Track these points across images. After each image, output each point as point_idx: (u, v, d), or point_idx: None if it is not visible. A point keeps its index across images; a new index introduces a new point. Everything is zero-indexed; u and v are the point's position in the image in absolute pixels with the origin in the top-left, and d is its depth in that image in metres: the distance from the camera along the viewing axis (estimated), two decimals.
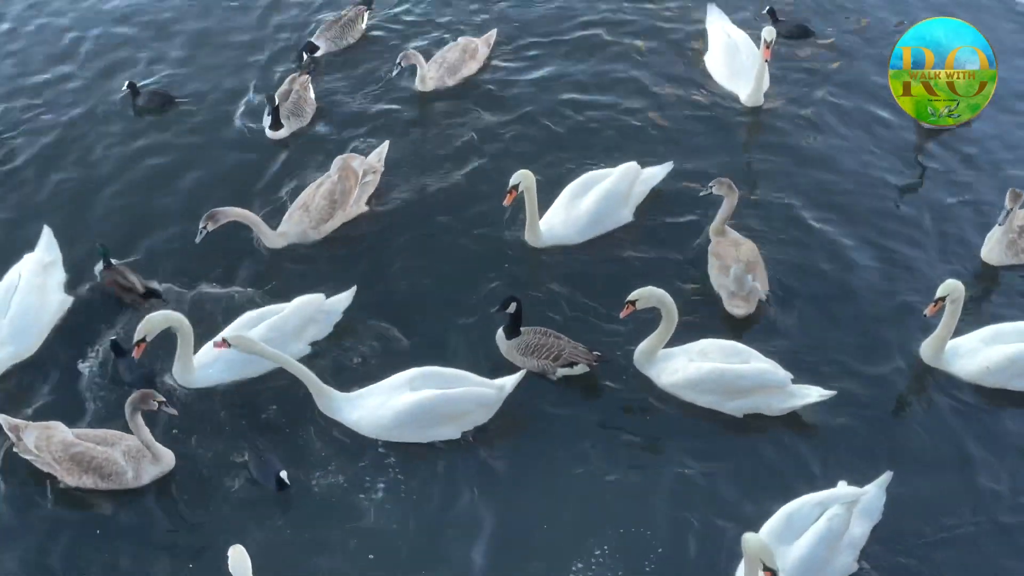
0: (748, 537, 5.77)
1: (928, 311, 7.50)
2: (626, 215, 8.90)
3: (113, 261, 8.33)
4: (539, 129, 10.21)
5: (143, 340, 7.04)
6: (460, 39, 10.90)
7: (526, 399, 7.47)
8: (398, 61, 10.22)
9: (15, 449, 6.91)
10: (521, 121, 10.29)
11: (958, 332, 7.59)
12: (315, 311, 7.81)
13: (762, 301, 8.17)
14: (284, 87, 10.20)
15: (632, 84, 10.84)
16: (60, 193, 9.49)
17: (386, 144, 9.44)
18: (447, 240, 8.85)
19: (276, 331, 7.52)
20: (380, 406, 7.16)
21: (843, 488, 6.59)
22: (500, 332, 7.78)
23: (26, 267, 7.98)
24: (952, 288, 7.37)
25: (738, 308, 8.08)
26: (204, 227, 8.23)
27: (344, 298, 8.01)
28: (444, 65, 10.55)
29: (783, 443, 7.24)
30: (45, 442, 6.82)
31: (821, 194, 9.38)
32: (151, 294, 8.18)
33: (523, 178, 8.27)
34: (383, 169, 9.24)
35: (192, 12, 12.00)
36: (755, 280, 8.11)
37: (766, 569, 5.62)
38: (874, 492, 6.57)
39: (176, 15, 11.95)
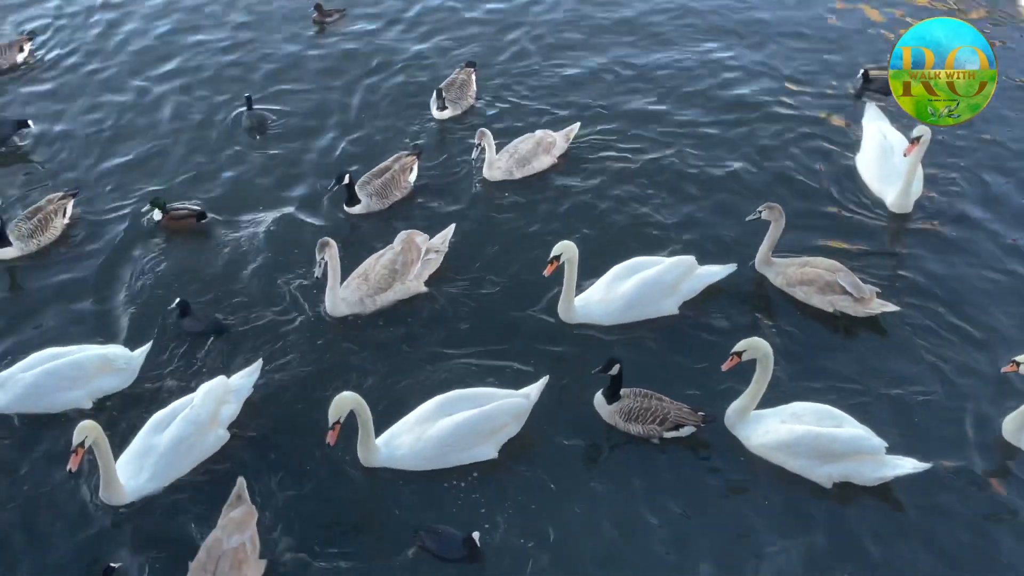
0: None
1: (1004, 369, 7.67)
2: (669, 306, 8.69)
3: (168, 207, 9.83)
4: (621, 227, 9.94)
5: (81, 446, 6.83)
6: (537, 132, 10.80)
7: (624, 450, 7.69)
8: (477, 142, 10.15)
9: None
10: (600, 218, 10.07)
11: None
12: (223, 393, 7.70)
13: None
14: (386, 163, 10.25)
15: (749, 181, 10.59)
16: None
17: (451, 228, 9.48)
18: (502, 328, 8.78)
19: (192, 423, 7.38)
20: (419, 439, 7.35)
21: None
22: (599, 396, 7.78)
23: (92, 351, 8.04)
24: None
25: (878, 306, 8.57)
26: (322, 258, 8.47)
27: (250, 372, 7.99)
28: (515, 156, 10.40)
29: (865, 518, 7.17)
30: (224, 521, 6.76)
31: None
32: (199, 216, 9.80)
33: (565, 249, 8.23)
34: (446, 251, 9.31)
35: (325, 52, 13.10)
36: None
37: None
38: None
39: (304, 55, 13.08)
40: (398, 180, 10.09)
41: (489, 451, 7.46)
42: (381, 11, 13.96)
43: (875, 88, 11.84)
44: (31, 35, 13.11)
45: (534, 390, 7.67)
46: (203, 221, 9.94)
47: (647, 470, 7.54)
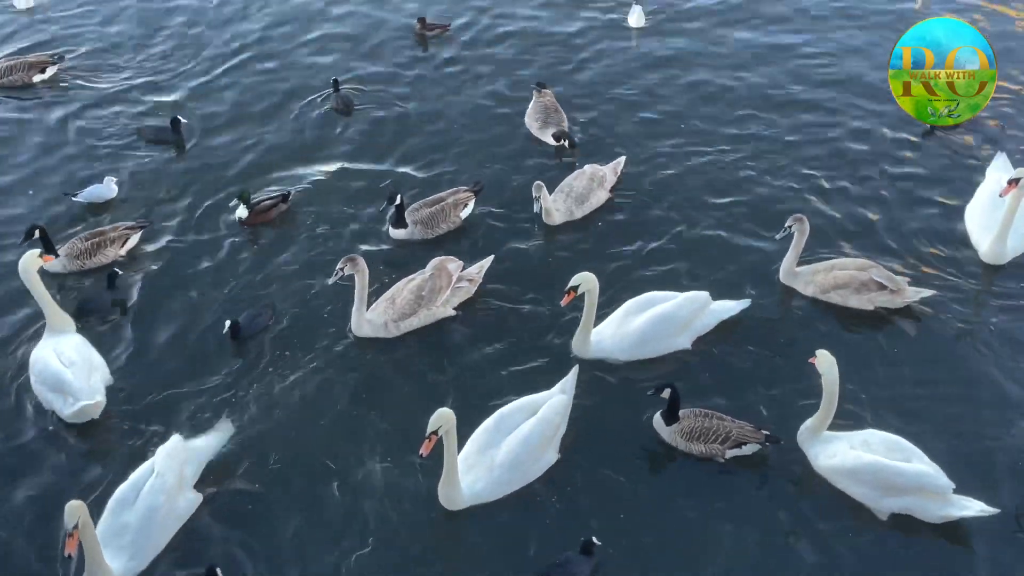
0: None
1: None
2: (682, 342, 8.51)
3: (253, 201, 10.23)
4: (673, 263, 9.59)
5: (75, 528, 6.36)
6: (587, 167, 10.48)
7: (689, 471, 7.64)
8: (535, 195, 9.77)
9: None
10: (649, 255, 9.71)
11: None
12: (184, 454, 7.31)
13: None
14: (442, 194, 10.10)
15: (829, 214, 10.10)
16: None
17: (489, 259, 9.33)
18: (522, 360, 8.55)
19: (160, 493, 6.92)
20: (492, 467, 7.22)
21: None
22: (657, 417, 7.73)
23: (65, 371, 7.97)
24: None
25: (916, 293, 8.72)
26: (341, 268, 8.46)
27: (217, 435, 7.62)
28: (571, 195, 10.10)
29: (919, 557, 7.01)
30: None
31: None
32: (284, 199, 10.22)
33: (584, 280, 8.08)
34: (480, 281, 9.19)
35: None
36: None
37: None
38: None
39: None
40: (448, 213, 9.90)
41: (553, 455, 7.50)
42: (482, 28, 14.00)
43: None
44: (59, 56, 12.93)
45: (568, 384, 7.73)
46: (288, 201, 10.28)
47: (713, 488, 7.49)
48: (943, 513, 7.04)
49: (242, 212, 10.09)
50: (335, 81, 12.21)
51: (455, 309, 8.99)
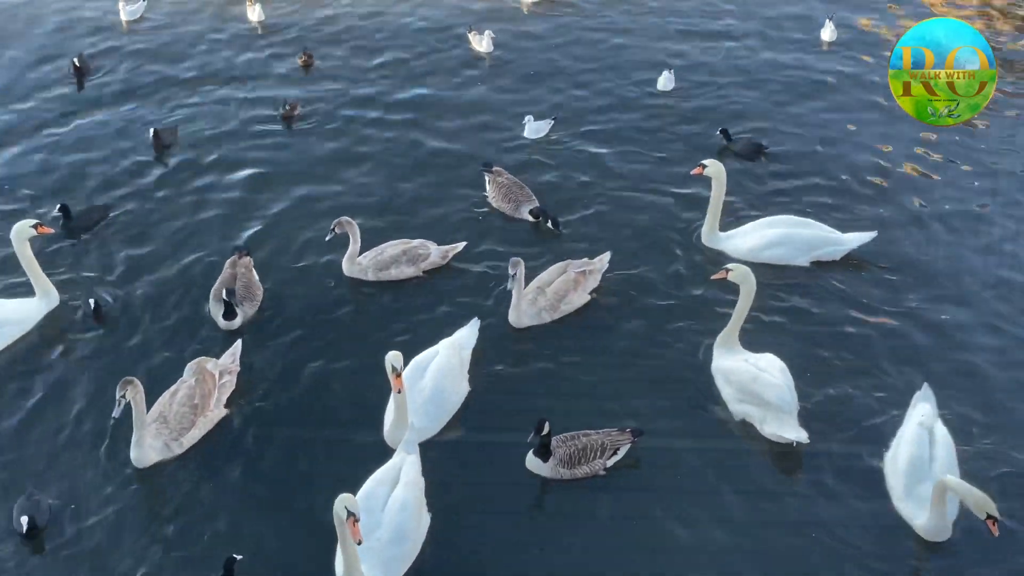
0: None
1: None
2: (465, 387, 8.42)
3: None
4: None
5: None
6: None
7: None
8: (332, 227, 9.62)
9: None
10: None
11: None
12: None
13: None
14: (227, 271, 9.53)
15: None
16: None
17: (238, 343, 8.80)
18: (314, 437, 8.09)
19: None
20: (382, 548, 6.91)
21: None
22: (531, 459, 7.63)
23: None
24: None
25: (600, 259, 9.57)
26: (122, 396, 7.51)
27: None
28: (378, 257, 9.74)
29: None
30: None
31: None
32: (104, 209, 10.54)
33: (397, 361, 7.54)
34: (239, 369, 8.59)
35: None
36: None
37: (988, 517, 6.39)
38: None
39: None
40: (250, 279, 9.51)
41: (427, 516, 7.26)
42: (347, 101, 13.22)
43: (737, 152, 11.40)
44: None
45: (411, 444, 7.51)
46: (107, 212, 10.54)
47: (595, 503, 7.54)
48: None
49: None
50: (155, 132, 11.57)
51: (226, 407, 8.31)
